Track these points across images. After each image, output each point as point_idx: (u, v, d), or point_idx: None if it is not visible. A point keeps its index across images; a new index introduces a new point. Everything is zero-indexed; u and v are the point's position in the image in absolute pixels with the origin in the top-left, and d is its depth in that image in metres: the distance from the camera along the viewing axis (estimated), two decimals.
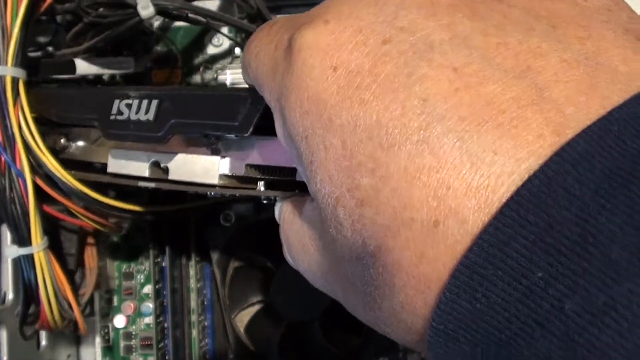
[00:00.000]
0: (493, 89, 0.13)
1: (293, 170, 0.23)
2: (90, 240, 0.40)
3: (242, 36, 0.41)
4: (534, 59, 0.14)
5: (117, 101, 0.27)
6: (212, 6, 0.38)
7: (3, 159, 0.31)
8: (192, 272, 0.43)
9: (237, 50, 0.41)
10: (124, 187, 0.31)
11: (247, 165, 0.25)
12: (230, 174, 0.25)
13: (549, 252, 0.12)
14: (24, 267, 0.33)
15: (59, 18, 0.35)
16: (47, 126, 0.32)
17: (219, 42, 0.41)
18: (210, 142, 0.26)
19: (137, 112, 0.26)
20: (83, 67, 0.35)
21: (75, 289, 0.38)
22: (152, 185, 0.28)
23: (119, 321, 0.43)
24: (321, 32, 0.15)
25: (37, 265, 0.33)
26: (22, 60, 0.31)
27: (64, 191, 0.31)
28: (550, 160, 0.12)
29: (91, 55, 0.35)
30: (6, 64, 0.30)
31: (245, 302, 0.41)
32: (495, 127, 0.13)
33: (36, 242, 0.32)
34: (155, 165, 0.28)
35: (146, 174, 0.27)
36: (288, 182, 0.24)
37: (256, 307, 0.41)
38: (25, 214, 0.31)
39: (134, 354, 0.44)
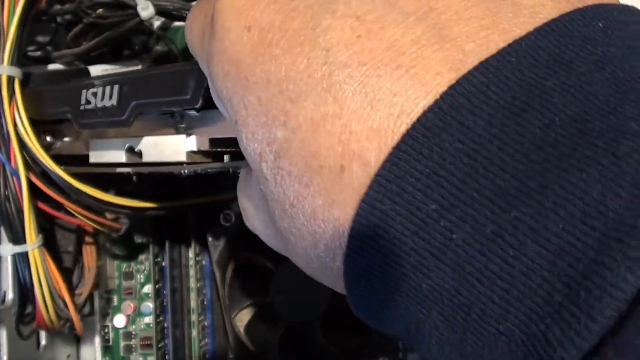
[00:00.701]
0: (394, 32, 0.13)
1: None
2: (89, 239, 0.40)
3: None
4: (435, 1, 0.14)
5: (84, 91, 0.28)
6: None
7: None
8: (192, 271, 0.43)
9: None
10: (111, 178, 0.32)
11: (210, 139, 0.26)
12: (196, 149, 0.26)
13: (442, 185, 0.12)
14: (18, 265, 0.33)
15: (59, 18, 0.35)
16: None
17: None
18: (176, 121, 0.26)
19: (102, 99, 0.27)
20: (97, 72, 0.35)
21: (72, 288, 0.38)
22: (128, 169, 0.29)
23: (119, 321, 0.43)
24: None
25: (31, 263, 0.33)
26: (19, 59, 0.31)
27: (61, 190, 0.31)
28: (445, 94, 0.12)
29: (100, 60, 0.35)
30: (2, 62, 0.30)
31: (245, 302, 0.41)
32: (394, 70, 0.13)
33: (30, 240, 0.32)
34: (130, 150, 0.28)
35: (123, 159, 0.28)
36: None
37: (256, 307, 0.41)
38: (20, 211, 0.31)
39: (134, 353, 0.44)
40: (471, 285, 0.12)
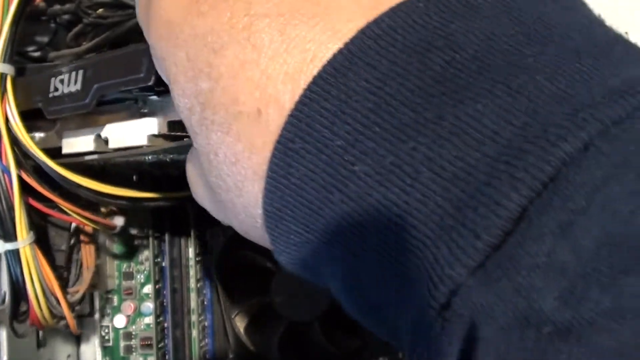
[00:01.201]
0: None
1: None
2: (87, 238, 0.40)
3: None
4: None
5: (53, 79, 0.28)
6: None
7: None
8: (192, 272, 0.43)
9: None
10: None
11: (169, 122, 0.26)
12: (157, 133, 0.26)
13: (347, 122, 0.13)
14: (10, 262, 0.33)
15: (58, 18, 0.35)
16: None
17: None
18: (139, 107, 0.27)
19: (68, 85, 0.27)
20: None
21: (67, 285, 0.38)
22: (95, 157, 0.29)
23: (119, 321, 0.43)
24: None
25: (23, 260, 0.33)
26: (11, 56, 0.31)
27: (54, 187, 0.31)
28: (354, 38, 0.13)
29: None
30: None
31: (245, 302, 0.41)
32: (310, 18, 0.14)
33: (22, 237, 0.32)
34: (98, 138, 0.29)
35: (92, 147, 0.29)
36: None
37: (256, 307, 0.41)
38: (11, 208, 0.31)
39: (134, 354, 0.44)
40: (371, 215, 0.12)
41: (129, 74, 0.24)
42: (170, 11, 0.16)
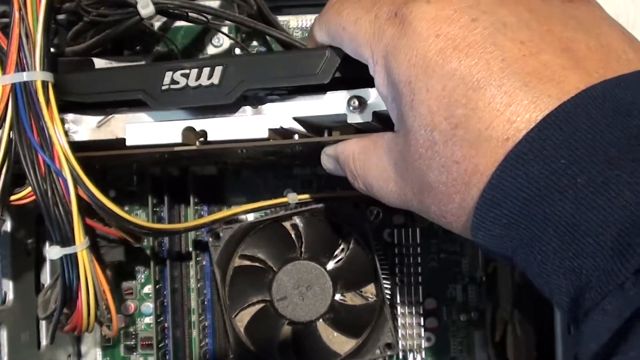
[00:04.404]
0: (547, 58, 0.21)
1: (343, 116, 0.29)
2: None
3: (242, 36, 0.41)
4: (570, 43, 0.21)
5: (169, 73, 0.30)
6: None
7: (42, 162, 0.30)
8: (192, 272, 0.43)
9: (237, 51, 0.41)
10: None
11: (293, 118, 0.30)
12: (277, 127, 0.30)
13: (570, 148, 0.19)
14: (66, 267, 0.32)
15: (59, 17, 0.35)
16: None
17: (219, 42, 0.41)
18: (250, 103, 0.31)
19: (197, 79, 0.30)
20: (101, 64, 0.35)
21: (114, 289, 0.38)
22: (192, 148, 0.31)
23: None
24: (426, 9, 0.22)
25: (80, 264, 0.32)
26: (48, 64, 0.30)
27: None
28: (578, 94, 0.19)
29: (103, 54, 0.35)
30: (35, 69, 0.30)
31: (245, 302, 0.41)
32: (549, 81, 0.20)
33: (79, 240, 0.32)
34: (189, 130, 0.30)
35: (179, 139, 0.31)
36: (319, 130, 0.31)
37: (256, 307, 0.41)
38: (68, 213, 0.31)
39: (134, 354, 0.44)
40: (582, 212, 0.18)
41: (297, 71, 0.28)
42: (427, 49, 0.22)
